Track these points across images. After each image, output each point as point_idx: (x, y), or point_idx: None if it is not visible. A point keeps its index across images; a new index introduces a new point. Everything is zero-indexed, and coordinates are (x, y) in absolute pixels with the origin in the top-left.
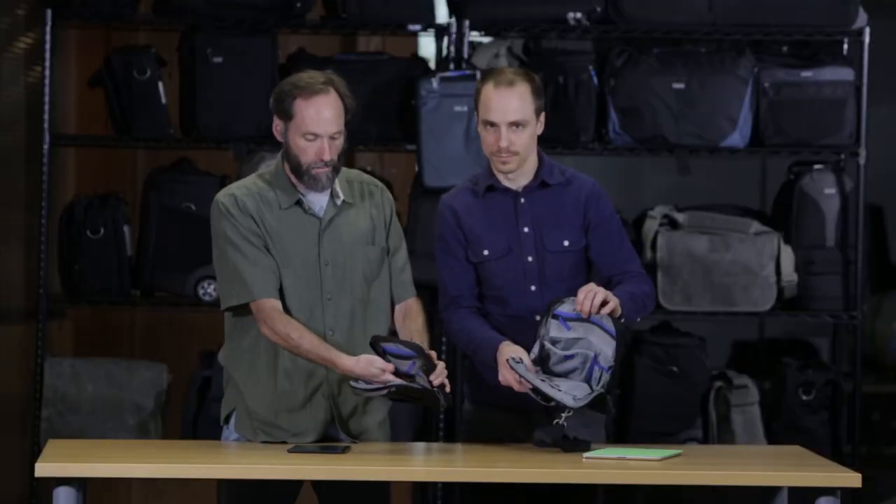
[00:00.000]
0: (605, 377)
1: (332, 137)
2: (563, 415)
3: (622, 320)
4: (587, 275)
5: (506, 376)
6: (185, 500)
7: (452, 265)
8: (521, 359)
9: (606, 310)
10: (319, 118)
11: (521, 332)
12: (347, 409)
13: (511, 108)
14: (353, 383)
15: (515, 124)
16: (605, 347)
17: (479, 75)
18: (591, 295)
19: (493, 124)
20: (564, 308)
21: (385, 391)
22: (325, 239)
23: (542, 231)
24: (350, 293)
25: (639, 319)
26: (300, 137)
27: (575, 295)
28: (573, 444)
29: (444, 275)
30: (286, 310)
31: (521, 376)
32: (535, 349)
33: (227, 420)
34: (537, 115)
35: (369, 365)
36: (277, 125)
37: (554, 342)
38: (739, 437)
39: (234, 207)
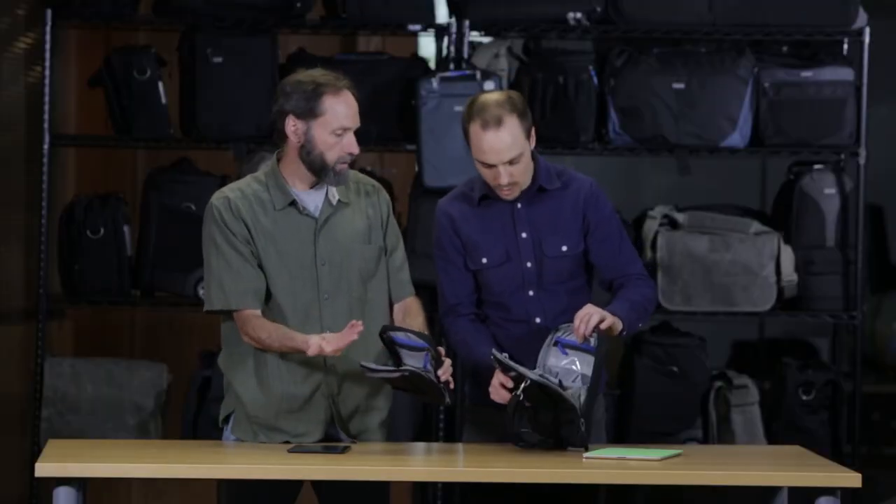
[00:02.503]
0: (583, 392)
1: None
2: (522, 385)
3: (624, 334)
4: (586, 275)
5: (498, 395)
6: (185, 500)
7: (451, 272)
8: (505, 354)
9: (604, 326)
10: (350, 112)
11: (521, 335)
12: (348, 409)
13: (504, 148)
14: (363, 363)
15: (511, 161)
16: (586, 369)
17: (478, 75)
18: (587, 318)
19: (489, 165)
20: (565, 336)
21: (398, 374)
22: (321, 239)
23: (540, 236)
24: (347, 292)
25: (640, 326)
26: (330, 134)
27: (575, 298)
28: (563, 441)
29: (443, 281)
30: (282, 311)
31: (502, 366)
32: (534, 374)
33: (226, 421)
34: (529, 135)
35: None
36: (296, 125)
37: (550, 371)
38: (739, 437)
39: (227, 212)
